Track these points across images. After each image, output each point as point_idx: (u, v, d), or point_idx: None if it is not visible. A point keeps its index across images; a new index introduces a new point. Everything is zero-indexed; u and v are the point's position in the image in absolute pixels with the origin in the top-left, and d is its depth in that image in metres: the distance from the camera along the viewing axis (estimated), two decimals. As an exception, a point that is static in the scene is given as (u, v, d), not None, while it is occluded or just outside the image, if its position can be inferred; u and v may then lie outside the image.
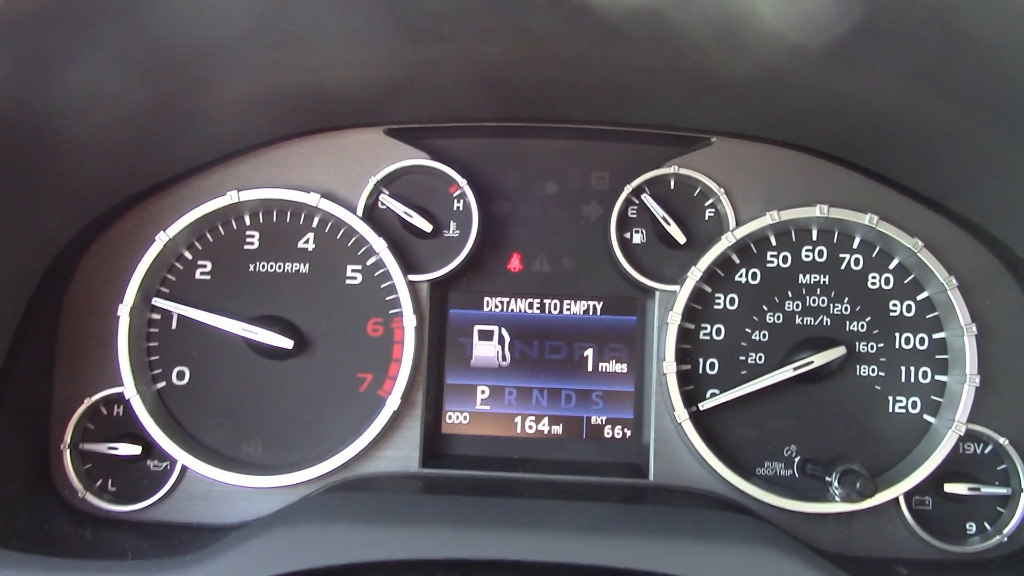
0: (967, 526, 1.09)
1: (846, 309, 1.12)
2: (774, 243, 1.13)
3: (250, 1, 0.85)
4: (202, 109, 1.06)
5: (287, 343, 1.11)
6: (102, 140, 1.00)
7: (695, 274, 1.10)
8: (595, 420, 1.16)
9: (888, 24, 0.79)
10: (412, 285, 1.12)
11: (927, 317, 1.11)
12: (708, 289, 1.13)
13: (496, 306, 1.18)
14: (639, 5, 0.80)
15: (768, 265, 1.13)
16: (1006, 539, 1.09)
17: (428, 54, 0.96)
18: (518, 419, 1.16)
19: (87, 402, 1.13)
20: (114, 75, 0.88)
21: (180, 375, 1.13)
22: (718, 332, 1.13)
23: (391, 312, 1.13)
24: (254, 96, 1.04)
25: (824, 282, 1.13)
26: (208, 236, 1.15)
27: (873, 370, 1.12)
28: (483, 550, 0.89)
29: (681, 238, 1.12)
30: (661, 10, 0.81)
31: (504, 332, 1.18)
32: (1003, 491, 1.09)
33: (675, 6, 0.81)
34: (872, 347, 1.12)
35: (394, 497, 1.03)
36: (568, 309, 1.17)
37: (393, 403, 1.10)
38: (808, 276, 1.13)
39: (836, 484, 1.02)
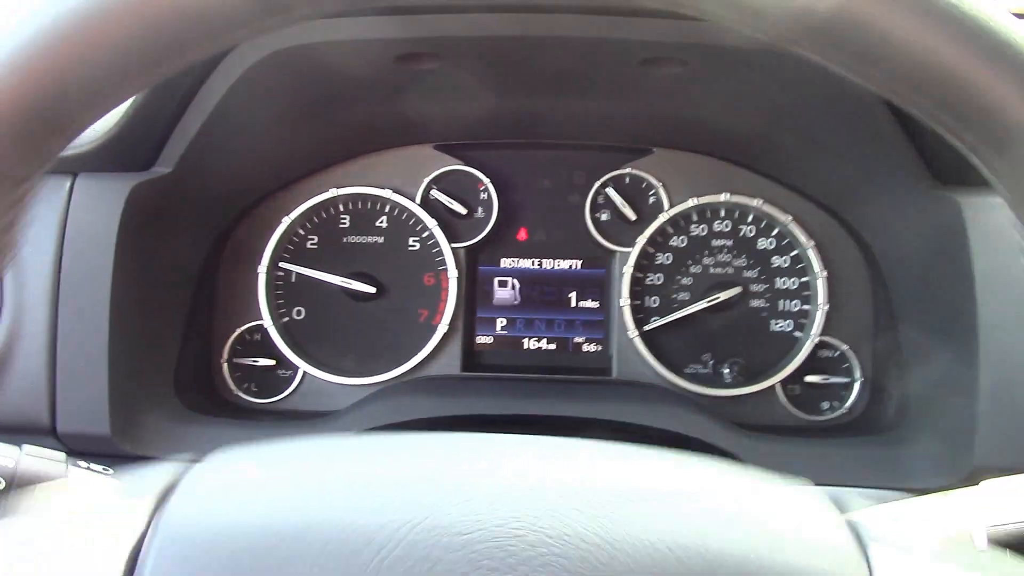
0: (823, 404, 1.54)
1: (743, 262, 1.56)
2: (695, 219, 1.57)
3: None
4: (313, 140, 1.54)
5: (371, 289, 1.56)
6: (263, 163, 1.52)
7: (642, 240, 1.55)
8: (577, 339, 1.61)
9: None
10: (454, 251, 1.57)
11: (797, 267, 1.55)
12: (651, 250, 1.57)
13: (510, 264, 1.62)
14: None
15: (692, 234, 1.58)
16: (847, 410, 1.53)
17: (467, 106, 1.47)
18: (525, 340, 1.61)
19: (237, 331, 1.58)
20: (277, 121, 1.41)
21: (299, 312, 1.59)
22: (658, 279, 1.58)
23: (439, 269, 1.58)
24: (353, 131, 1.53)
25: (729, 244, 1.57)
26: (315, 218, 1.59)
27: (761, 303, 1.56)
28: (505, 408, 1.43)
29: (633, 216, 1.55)
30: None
31: (515, 281, 1.62)
32: (846, 380, 1.53)
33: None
34: (760, 288, 1.56)
35: (448, 382, 1.57)
36: (558, 266, 1.62)
37: (443, 329, 1.55)
38: (718, 240, 1.57)
39: (727, 371, 1.56)
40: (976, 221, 1.23)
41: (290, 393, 1.58)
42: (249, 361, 1.59)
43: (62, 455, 0.91)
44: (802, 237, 1.55)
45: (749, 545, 0.51)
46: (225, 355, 1.59)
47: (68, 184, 1.29)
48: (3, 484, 0.86)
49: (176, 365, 1.47)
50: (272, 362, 1.59)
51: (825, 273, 1.54)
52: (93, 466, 0.92)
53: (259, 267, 1.58)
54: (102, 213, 1.28)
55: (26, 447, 0.89)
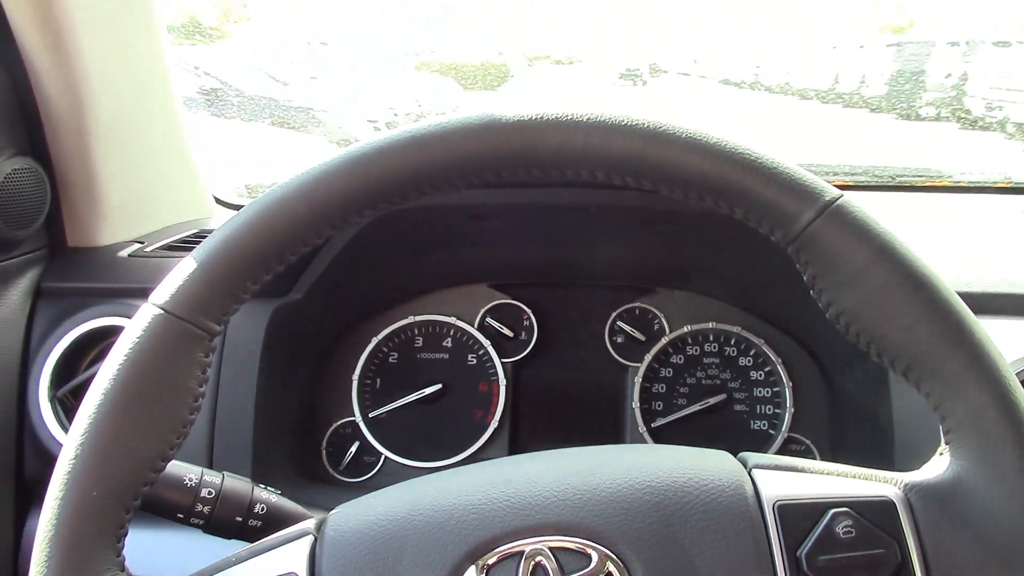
0: (792, 488, 1.99)
1: (728, 375, 1.91)
2: (690, 341, 1.94)
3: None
4: (400, 279, 2.07)
5: (438, 394, 2.00)
6: (363, 295, 2.03)
7: (648, 357, 1.90)
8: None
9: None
10: (503, 365, 1.96)
11: (770, 379, 1.90)
12: (656, 365, 1.93)
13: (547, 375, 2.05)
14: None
15: (687, 353, 1.93)
16: (811, 493, 2.00)
17: (516, 254, 1.99)
18: (559, 432, 2.03)
19: (334, 424, 1.98)
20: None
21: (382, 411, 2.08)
22: (661, 387, 1.93)
23: (491, 379, 1.96)
24: (429, 273, 2.01)
25: (716, 361, 1.91)
26: (396, 339, 2.00)
27: (742, 407, 1.90)
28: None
29: (642, 338, 1.94)
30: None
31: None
32: (810, 469, 2.00)
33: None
34: (741, 395, 1.90)
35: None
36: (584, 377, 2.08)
37: (493, 425, 1.91)
38: (708, 358, 1.92)
39: (714, 458, 1.96)
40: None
41: (374, 474, 1.97)
42: (342, 448, 2.00)
43: (249, 480, 1.37)
44: (773, 356, 1.94)
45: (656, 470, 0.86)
46: (324, 444, 2.01)
47: (229, 306, 1.79)
48: (213, 493, 1.31)
49: (292, 447, 1.92)
50: (359, 448, 2.00)
51: (791, 384, 1.92)
52: (269, 488, 1.37)
53: (353, 375, 2.02)
54: (251, 329, 1.76)
55: (226, 472, 1.35)
